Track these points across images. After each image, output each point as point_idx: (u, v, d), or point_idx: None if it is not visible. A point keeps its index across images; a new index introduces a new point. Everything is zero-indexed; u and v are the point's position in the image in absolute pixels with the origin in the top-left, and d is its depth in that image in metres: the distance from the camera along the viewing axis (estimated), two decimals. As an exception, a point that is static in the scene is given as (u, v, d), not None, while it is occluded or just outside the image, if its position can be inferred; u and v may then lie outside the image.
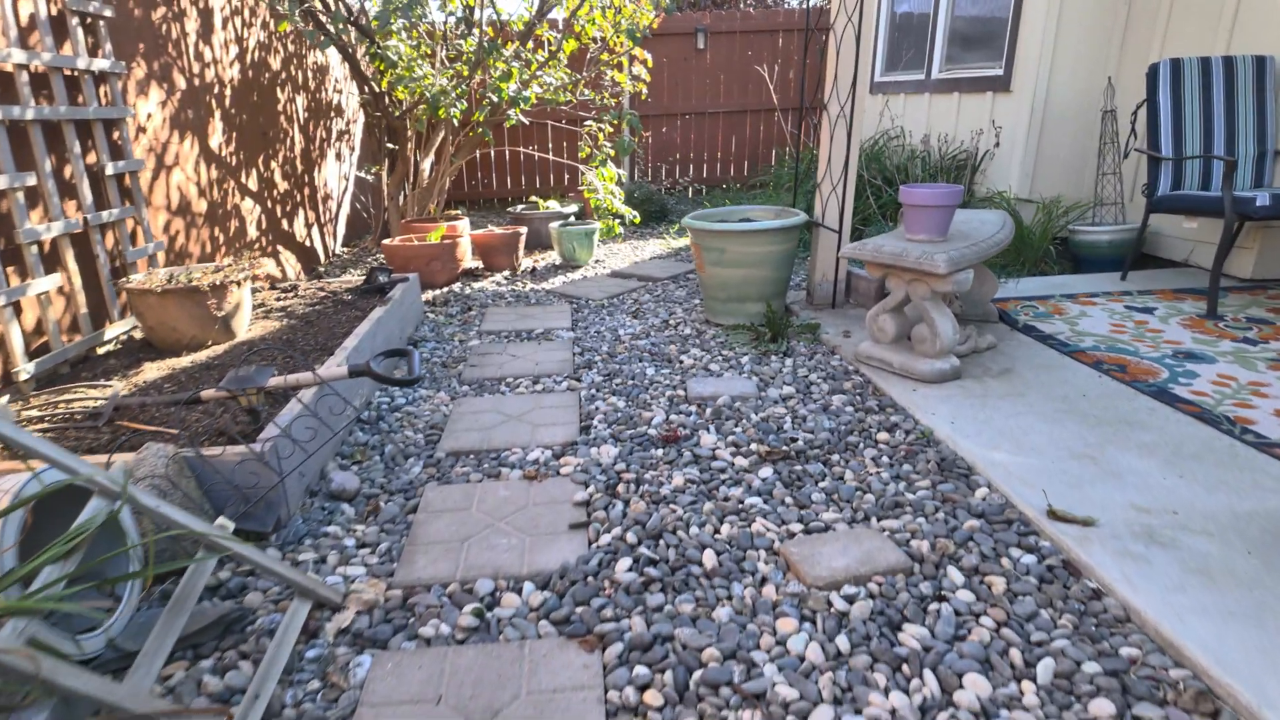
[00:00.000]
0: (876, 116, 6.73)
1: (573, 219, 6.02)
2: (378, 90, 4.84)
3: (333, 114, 5.76)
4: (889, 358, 2.78)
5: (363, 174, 6.26)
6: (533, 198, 6.07)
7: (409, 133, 5.23)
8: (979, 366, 2.80)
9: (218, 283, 2.80)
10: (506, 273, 4.95)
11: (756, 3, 10.78)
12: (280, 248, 4.58)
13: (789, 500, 1.96)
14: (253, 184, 4.31)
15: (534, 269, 5.03)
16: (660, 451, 2.25)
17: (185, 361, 2.72)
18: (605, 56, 6.25)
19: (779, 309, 3.47)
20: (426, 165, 5.86)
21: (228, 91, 4.09)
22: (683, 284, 4.46)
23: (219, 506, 1.81)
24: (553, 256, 5.49)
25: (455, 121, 5.44)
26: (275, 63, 4.72)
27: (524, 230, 5.03)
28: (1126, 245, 4.18)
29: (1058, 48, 4.48)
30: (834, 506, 1.93)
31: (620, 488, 2.05)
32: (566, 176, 7.99)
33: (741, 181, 8.25)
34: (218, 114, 3.95)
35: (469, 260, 5.26)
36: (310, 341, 2.90)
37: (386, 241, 4.50)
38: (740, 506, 1.94)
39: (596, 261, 5.25)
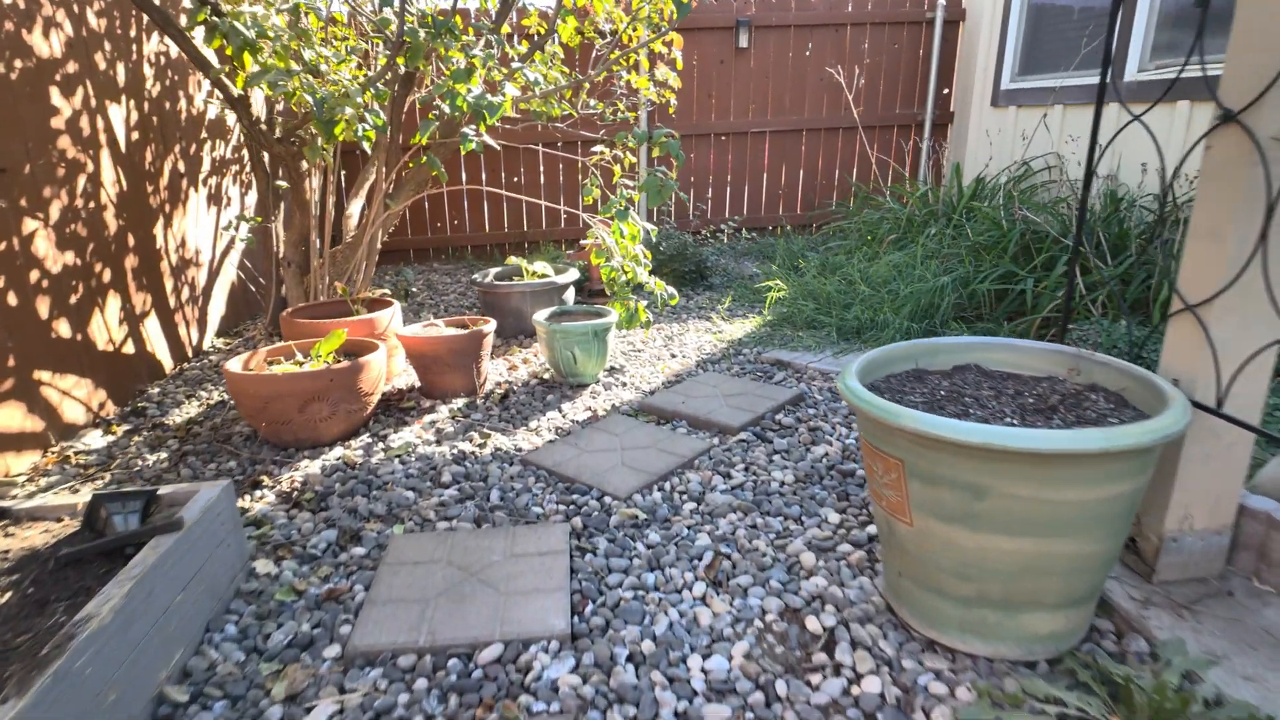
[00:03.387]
0: (997, 136, 4.72)
1: (571, 298, 3.98)
2: (235, 93, 2.83)
3: (203, 134, 3.75)
4: None
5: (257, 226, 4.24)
6: (512, 260, 4.06)
7: (304, 165, 3.23)
8: None
9: None
10: (460, 401, 2.90)
11: None
12: (45, 377, 2.53)
13: None
14: (-33, 265, 2.28)
15: (506, 395, 2.98)
16: None
17: None
18: (616, 54, 4.30)
19: (1083, 622, 1.40)
20: (355, 210, 3.87)
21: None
22: (775, 448, 2.41)
23: None
24: (539, 360, 3.45)
25: (384, 143, 3.44)
26: (38, 42, 2.70)
27: (489, 327, 2.99)
28: None
29: None
30: None
31: None
32: (565, 216, 5.97)
33: (797, 223, 6.24)
34: None
35: (398, 377, 3.22)
36: None
37: (230, 368, 2.46)
38: None
39: (611, 372, 3.21)
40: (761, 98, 5.98)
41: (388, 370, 3.11)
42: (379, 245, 3.81)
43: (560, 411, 2.78)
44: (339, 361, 2.65)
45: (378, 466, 2.34)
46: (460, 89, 2.89)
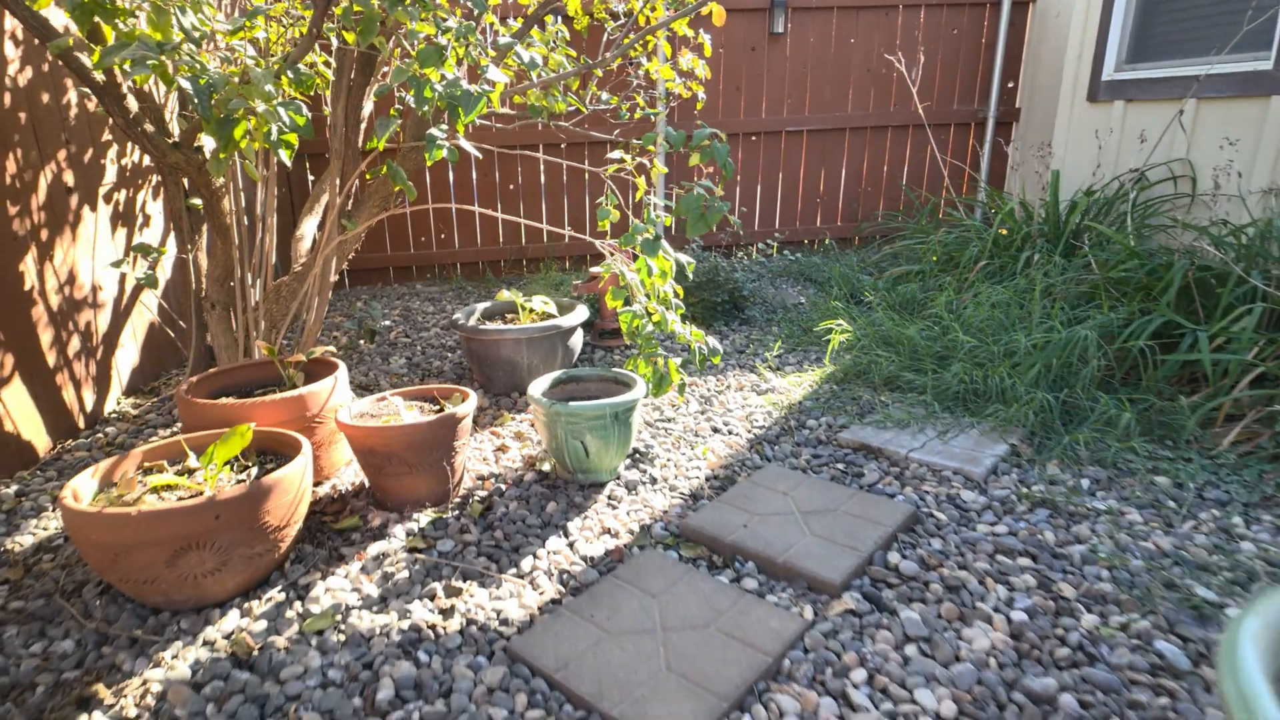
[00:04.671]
0: (1094, 138, 3.86)
1: (578, 343, 3.13)
2: (98, 78, 1.96)
3: (105, 135, 2.90)
4: None
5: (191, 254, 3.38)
6: (504, 295, 3.20)
7: (217, 182, 2.38)
8: None
9: None
10: (425, 517, 2.04)
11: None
12: None
13: None
14: None
15: (488, 505, 2.12)
16: None
17: None
18: (631, 38, 3.47)
19: None
20: (308, 230, 3.05)
21: None
22: (905, 630, 1.56)
23: None
24: (538, 438, 2.58)
25: (339, 149, 2.61)
26: None
27: (467, 407, 2.14)
28: None
29: None
30: None
31: None
32: (571, 235, 5.11)
33: (839, 236, 5.37)
34: None
35: (344, 469, 2.36)
36: None
37: (67, 500, 1.61)
38: None
39: (634, 460, 2.35)
40: (798, 91, 5.12)
41: (328, 465, 2.26)
42: (333, 276, 2.97)
43: (565, 535, 1.93)
44: (244, 471, 1.80)
45: (283, 662, 1.48)
46: (430, 75, 2.05)
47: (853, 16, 5.03)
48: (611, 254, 2.41)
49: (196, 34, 1.73)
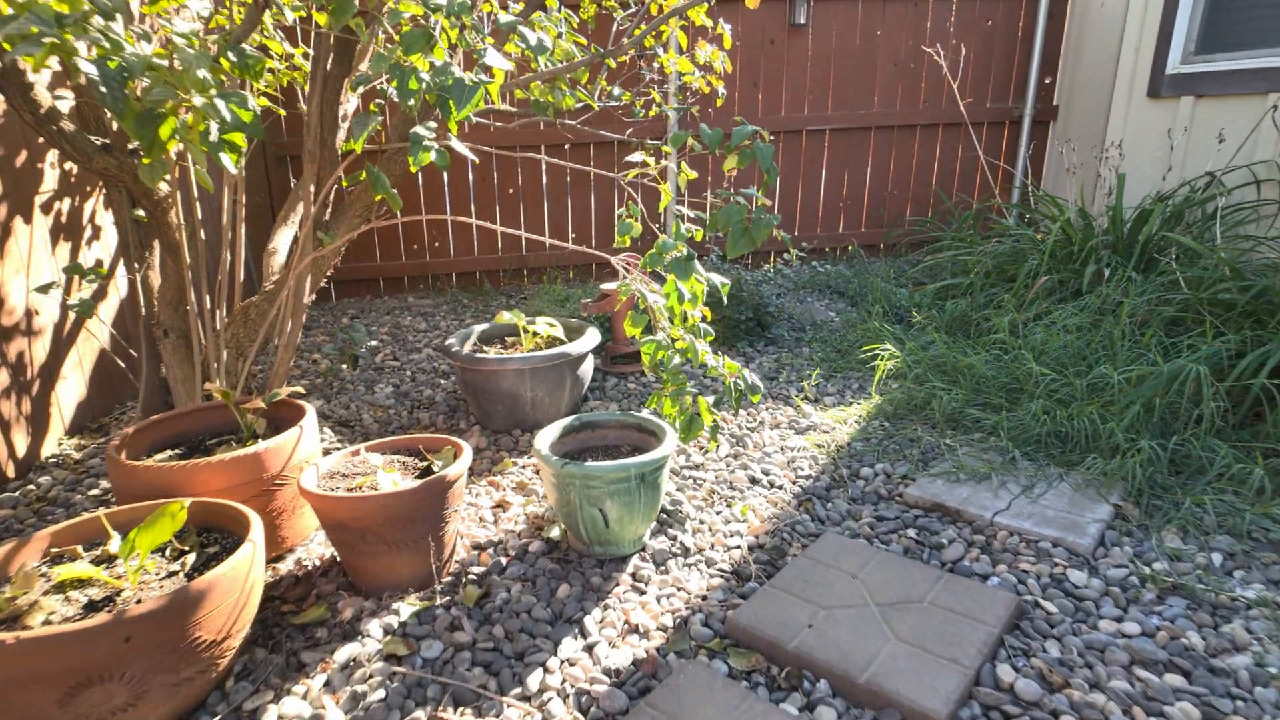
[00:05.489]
0: (1178, 136, 3.48)
1: (589, 371, 2.74)
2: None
3: (38, 136, 2.51)
4: None
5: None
6: (504, 317, 2.80)
7: (159, 191, 1.99)
8: None
9: None
10: (407, 609, 1.65)
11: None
12: None
13: None
14: None
15: (485, 589, 1.72)
16: None
17: None
18: (643, 29, 3.10)
19: None
20: (282, 244, 2.70)
21: None
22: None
23: None
24: (544, 493, 2.19)
25: (314, 151, 2.23)
26: None
27: (459, 467, 1.75)
28: None
29: None
30: None
31: None
32: (579, 243, 4.71)
33: (865, 244, 4.98)
34: None
35: (307, 542, 1.97)
36: None
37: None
38: None
39: (662, 524, 1.96)
40: (820, 87, 4.73)
41: (293, 533, 1.87)
42: (309, 296, 2.58)
43: (583, 635, 1.54)
44: (178, 558, 1.42)
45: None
46: (418, 63, 1.68)
47: (879, 7, 4.65)
48: (628, 271, 2.02)
49: (110, 3, 1.34)
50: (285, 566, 1.80)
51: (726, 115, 4.62)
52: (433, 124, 1.75)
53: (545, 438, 1.86)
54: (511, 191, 4.61)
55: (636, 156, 2.15)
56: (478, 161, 2.88)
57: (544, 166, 4.54)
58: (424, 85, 1.62)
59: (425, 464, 1.81)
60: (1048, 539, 1.79)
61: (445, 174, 4.55)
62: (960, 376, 2.61)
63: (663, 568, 1.77)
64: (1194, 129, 3.34)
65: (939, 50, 4.62)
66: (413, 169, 1.70)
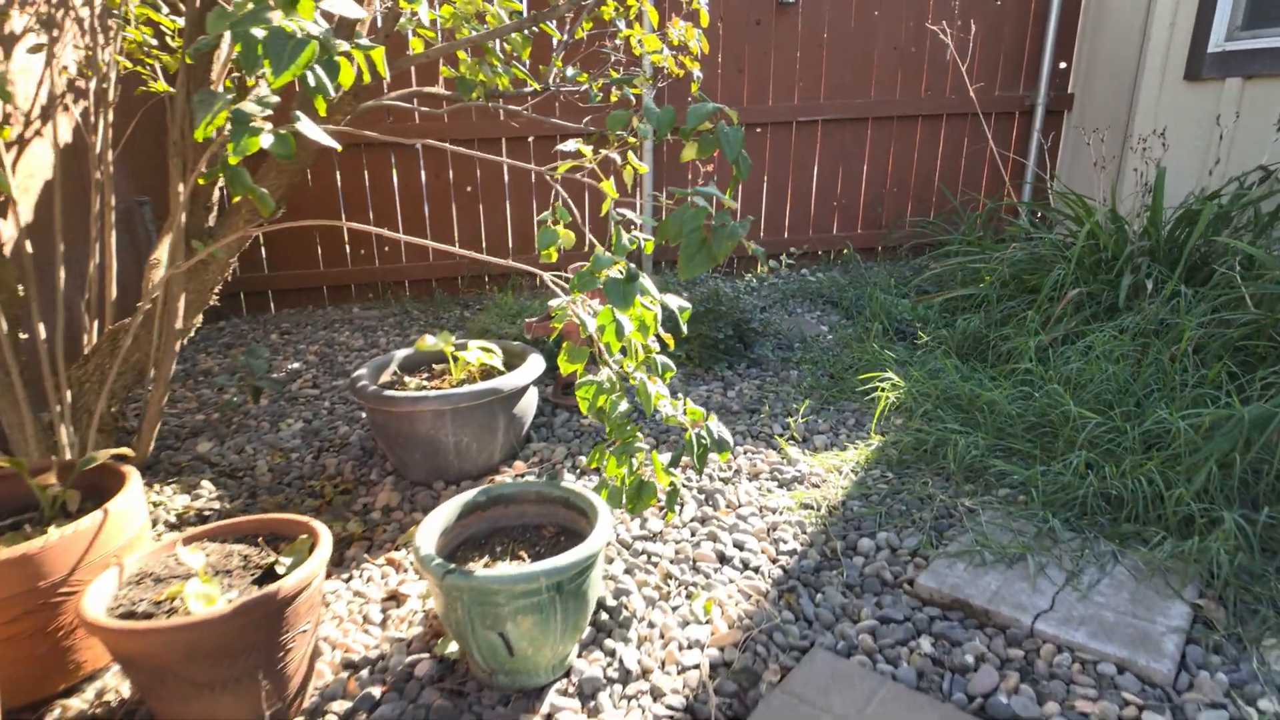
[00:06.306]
0: (1223, 124, 3.02)
1: (532, 405, 2.26)
2: None
3: None
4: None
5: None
6: (426, 342, 2.33)
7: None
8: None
9: None
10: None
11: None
12: None
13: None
14: None
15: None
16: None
17: None
18: (613, 4, 2.69)
19: None
20: (164, 254, 2.28)
21: None
22: None
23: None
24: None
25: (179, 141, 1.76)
26: None
27: (303, 579, 1.27)
28: None
29: None
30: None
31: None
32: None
33: (862, 246, 4.51)
34: None
35: (102, 676, 1.49)
36: None
37: None
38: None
39: (595, 635, 1.49)
40: (812, 73, 4.26)
41: (91, 656, 1.39)
42: (180, 321, 2.11)
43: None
44: None
45: None
46: (279, 22, 1.21)
47: (878, -17, 4.17)
48: (558, 288, 1.56)
49: None
50: (77, 704, 1.33)
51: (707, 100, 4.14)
52: (270, 98, 1.28)
53: (434, 524, 1.38)
54: (470, 189, 4.14)
55: (569, 146, 1.67)
56: (340, 149, 2.40)
57: (476, 170, 4.06)
58: (267, 48, 1.15)
59: (270, 562, 1.34)
60: (1110, 659, 1.33)
61: (395, 172, 4.08)
62: (978, 414, 2.15)
63: (592, 703, 1.30)
64: (1245, 114, 2.88)
65: (944, 29, 4.15)
66: (232, 159, 1.22)
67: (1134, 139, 3.31)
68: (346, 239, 4.07)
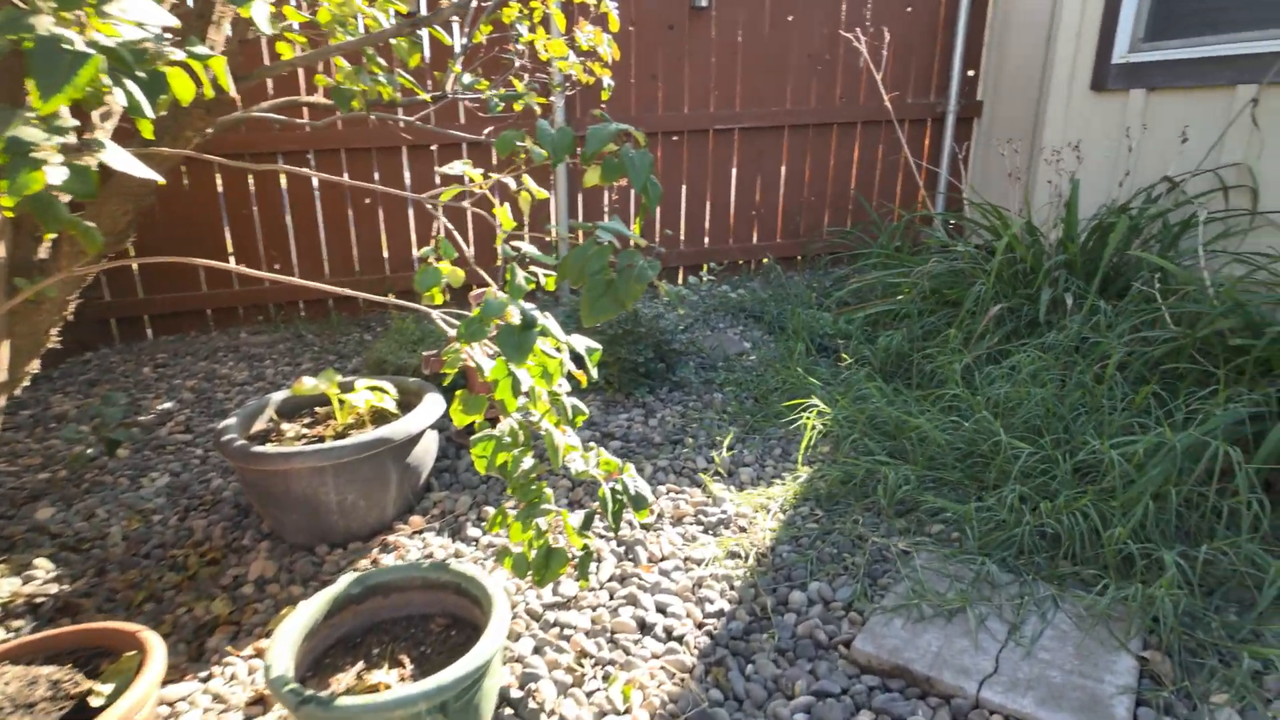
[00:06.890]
0: (1128, 136, 3.05)
1: (430, 452, 2.04)
2: None
3: None
4: None
5: None
6: (305, 384, 2.07)
7: None
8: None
9: None
10: None
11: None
12: None
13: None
14: None
15: None
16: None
17: None
18: (516, 7, 2.49)
19: None
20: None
21: None
22: None
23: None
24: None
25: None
26: None
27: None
28: None
29: None
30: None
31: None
32: (472, 244, 3.98)
33: (782, 256, 4.44)
34: None
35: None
36: None
37: None
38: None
39: (502, 724, 1.30)
40: (728, 81, 4.16)
41: None
42: (4, 373, 1.79)
43: None
44: None
45: None
46: (49, 30, 0.95)
47: (792, -12, 4.10)
48: (452, 334, 1.35)
49: None
50: None
51: (622, 111, 3.98)
52: (67, 121, 1.03)
53: (294, 627, 1.15)
54: (368, 201, 3.85)
55: (455, 168, 1.46)
56: (163, 182, 2.18)
57: (379, 164, 3.79)
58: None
59: (79, 692, 1.09)
60: (1062, 732, 1.22)
61: (284, 179, 3.75)
62: (907, 442, 2.05)
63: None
64: (1151, 126, 2.91)
65: (859, 36, 4.11)
66: (6, 201, 0.97)
67: (1046, 150, 3.33)
68: (232, 253, 3.71)
